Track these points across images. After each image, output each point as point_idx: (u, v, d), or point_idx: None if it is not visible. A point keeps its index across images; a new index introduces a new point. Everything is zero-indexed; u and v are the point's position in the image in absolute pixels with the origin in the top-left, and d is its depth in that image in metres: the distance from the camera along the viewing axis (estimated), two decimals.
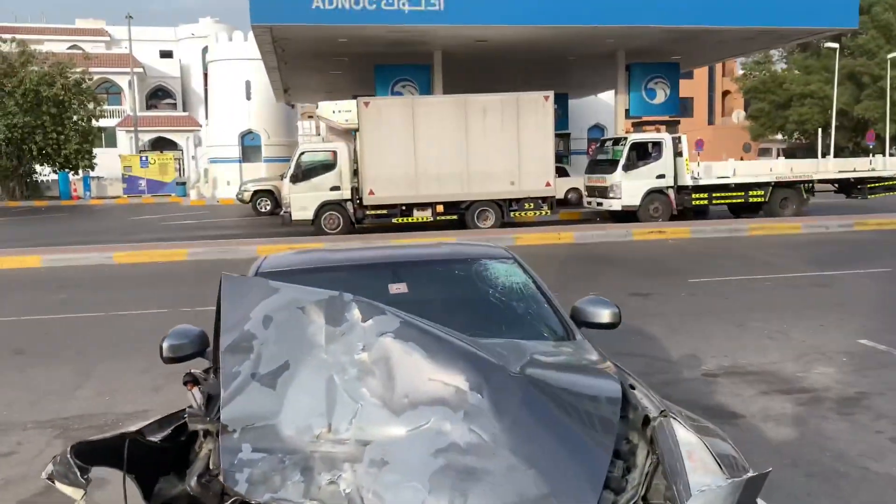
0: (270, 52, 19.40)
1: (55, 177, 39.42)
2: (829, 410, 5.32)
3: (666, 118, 22.54)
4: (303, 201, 17.38)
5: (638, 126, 21.60)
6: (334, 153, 17.67)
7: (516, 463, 2.21)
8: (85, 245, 15.98)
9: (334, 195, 17.56)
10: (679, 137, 19.02)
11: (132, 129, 44.07)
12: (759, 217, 19.15)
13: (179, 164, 49.24)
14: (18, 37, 38.36)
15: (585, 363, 2.99)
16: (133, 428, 2.43)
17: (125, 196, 39.28)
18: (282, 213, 18.03)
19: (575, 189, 25.34)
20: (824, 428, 4.99)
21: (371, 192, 17.31)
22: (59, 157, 37.13)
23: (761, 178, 19.32)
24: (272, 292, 2.55)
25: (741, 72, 53.48)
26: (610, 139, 20.45)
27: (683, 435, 2.50)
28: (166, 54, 58.40)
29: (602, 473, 2.24)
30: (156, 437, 2.50)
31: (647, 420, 2.57)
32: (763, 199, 19.29)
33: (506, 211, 18.11)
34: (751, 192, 19.20)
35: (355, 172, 17.71)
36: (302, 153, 17.74)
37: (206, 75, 44.23)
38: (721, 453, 2.39)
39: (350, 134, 17.77)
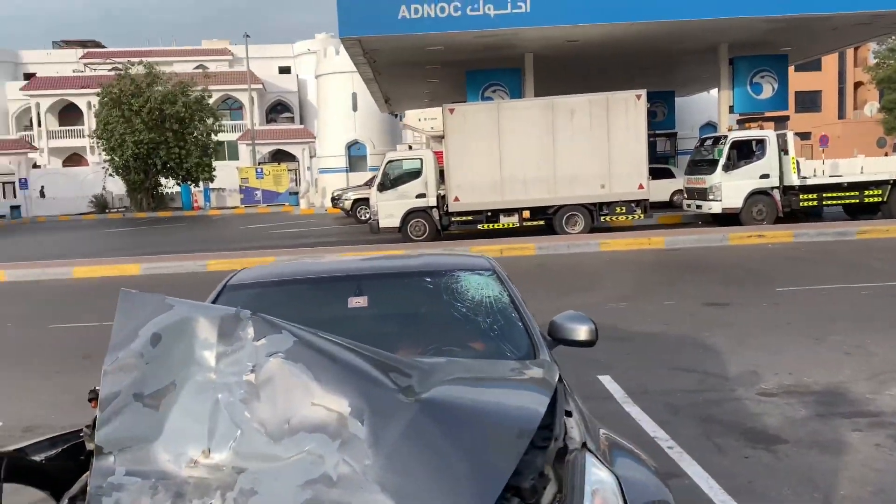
0: (364, 63, 19.71)
1: (178, 189, 41.79)
2: (888, 438, 4.72)
3: (774, 114, 21.17)
4: (390, 209, 17.52)
5: (742, 123, 20.40)
6: (421, 161, 17.72)
7: (383, 499, 2.00)
8: (183, 254, 16.77)
9: (420, 202, 17.60)
10: (785, 134, 17.81)
11: (251, 142, 46.09)
12: (876, 218, 17.64)
13: (295, 174, 51.25)
14: (149, 60, 41.02)
15: (518, 386, 2.72)
16: (12, 447, 2.38)
17: (242, 206, 41.14)
18: (369, 220, 18.24)
19: (681, 191, 24.28)
20: (874, 458, 4.41)
21: (456, 199, 17.23)
22: (182, 171, 39.37)
23: (877, 177, 17.79)
24: (165, 308, 2.45)
25: (874, 60, 49.72)
26: (709, 137, 19.43)
27: (596, 472, 2.24)
28: (285, 70, 60.94)
29: None
30: (40, 456, 2.42)
31: (563, 452, 2.31)
32: (881, 199, 17.75)
33: (596, 215, 17.55)
34: (866, 192, 17.71)
35: (442, 179, 17.69)
36: (389, 161, 17.89)
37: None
38: (641, 491, 2.19)
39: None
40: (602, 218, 17.66)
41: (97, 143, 40.16)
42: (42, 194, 45.34)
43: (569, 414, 2.56)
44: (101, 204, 42.40)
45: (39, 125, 55.49)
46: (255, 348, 2.32)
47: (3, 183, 48.84)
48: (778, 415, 5.26)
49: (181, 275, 14.08)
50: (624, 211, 17.53)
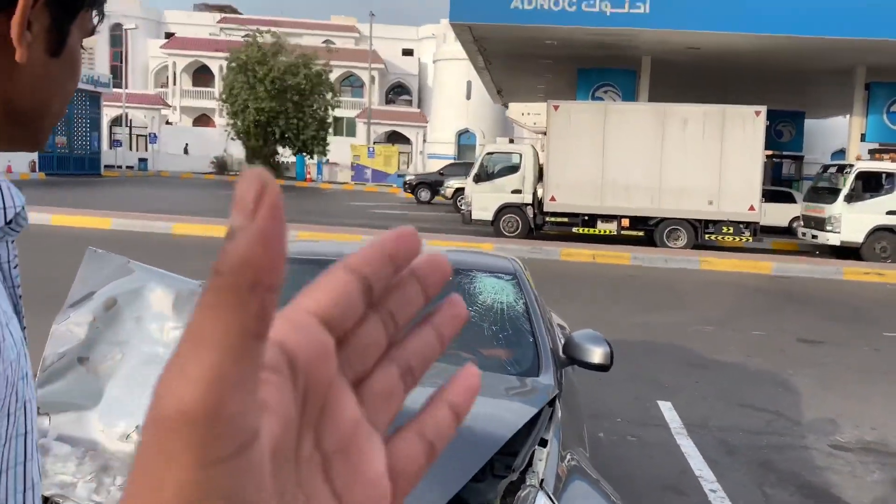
0: (475, 51, 19.55)
1: (294, 159, 43.06)
2: None
3: None
4: (484, 201, 17.32)
5: (873, 153, 18.99)
6: (520, 156, 17.43)
7: None
8: None
9: (515, 198, 17.31)
10: None
11: (367, 121, 46.94)
12: None
13: (408, 157, 51.86)
14: (279, 30, 42.27)
15: (492, 407, 2.50)
16: None
17: (352, 183, 41.96)
18: (462, 210, 18.10)
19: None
20: None
21: (553, 199, 16.84)
22: (298, 142, 40.49)
23: None
24: (126, 273, 2.36)
25: None
26: (834, 165, 18.18)
27: None
28: (408, 52, 61.63)
29: None
30: None
31: (517, 487, 2.09)
32: None
33: (700, 232, 16.75)
34: None
35: (541, 177, 17.33)
36: (487, 153, 17.68)
37: None
38: None
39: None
40: (707, 236, 16.85)
41: (222, 106, 41.83)
42: (186, 151, 47.53)
43: (543, 443, 2.33)
44: (221, 165, 44.24)
45: (174, 83, 58.46)
46: None
47: (137, 136, 51.87)
48: (846, 473, 4.76)
49: None
50: (731, 231, 16.65)
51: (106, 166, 38.43)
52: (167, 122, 55.93)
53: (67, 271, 9.02)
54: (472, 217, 17.51)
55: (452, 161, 36.22)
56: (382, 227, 18.22)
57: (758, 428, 5.52)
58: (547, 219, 17.16)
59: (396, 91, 62.16)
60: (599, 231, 16.99)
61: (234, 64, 39.83)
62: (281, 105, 39.21)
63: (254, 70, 38.86)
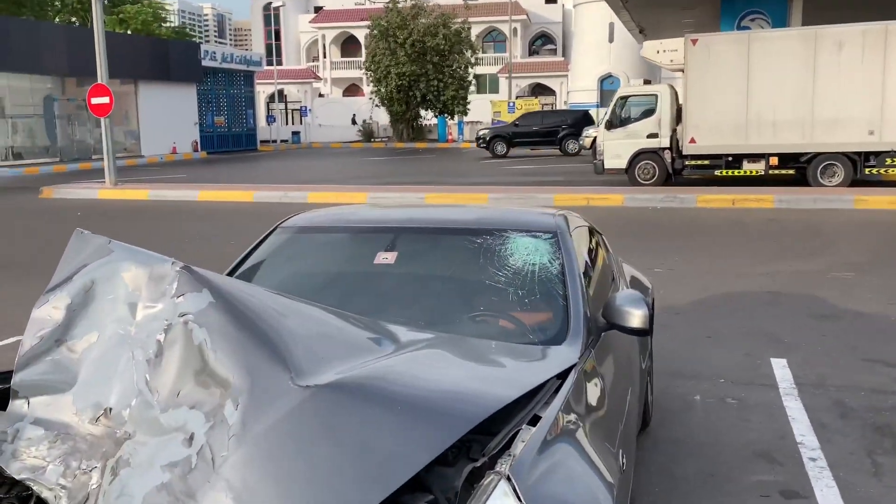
0: None
1: (436, 121, 43.42)
2: None
3: None
4: (617, 149, 16.54)
5: None
6: (655, 97, 16.43)
7: (224, 501, 1.75)
8: (409, 185, 17.38)
9: (651, 143, 16.38)
10: None
11: (509, 75, 46.34)
12: None
13: (552, 108, 50.74)
14: None
15: (486, 376, 2.27)
16: None
17: None
18: (594, 161, 17.39)
19: None
20: None
21: (692, 140, 15.78)
22: (439, 103, 40.74)
23: None
24: (106, 253, 2.35)
25: None
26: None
27: None
28: (551, 0, 59.93)
29: None
30: None
31: (482, 472, 1.88)
32: None
33: (860, 166, 15.12)
34: None
35: (679, 119, 16.28)
36: (620, 97, 16.81)
37: None
38: None
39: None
40: (868, 170, 15.20)
41: (366, 74, 42.78)
42: (353, 122, 49.00)
43: (534, 421, 2.07)
44: (367, 133, 45.46)
45: (324, 56, 60.53)
46: (174, 305, 2.13)
47: (292, 110, 54.33)
48: None
49: (400, 201, 14.61)
50: None
51: (262, 141, 40.57)
52: (319, 95, 58.12)
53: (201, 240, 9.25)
54: (605, 166, 16.80)
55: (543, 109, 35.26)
56: (514, 183, 17.97)
57: (883, 386, 4.88)
58: (686, 163, 16.15)
59: (540, 41, 60.82)
60: (745, 172, 15.78)
61: (375, 31, 40.52)
62: (421, 68, 39.53)
63: (394, 35, 39.35)
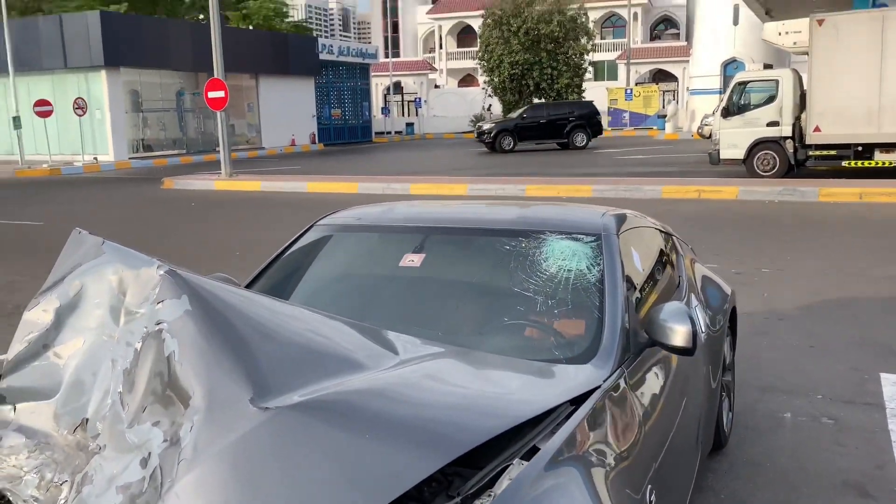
0: None
1: None
2: None
3: None
4: (733, 138, 15.57)
5: None
6: (776, 82, 15.34)
7: None
8: (512, 177, 17.09)
9: (771, 132, 15.31)
10: None
11: (627, 61, 44.98)
12: None
13: (674, 95, 48.84)
14: None
15: (487, 398, 2.03)
16: None
17: (608, 129, 40.62)
18: (709, 151, 16.46)
19: None
20: None
21: (817, 129, 14.63)
22: (552, 92, 40.00)
23: None
24: (98, 254, 2.27)
25: None
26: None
27: None
28: None
29: None
30: None
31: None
32: None
33: None
34: None
35: (803, 105, 15.14)
36: (738, 83, 15.80)
37: None
38: None
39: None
40: None
41: (479, 64, 42.59)
42: (488, 109, 48.51)
43: (529, 455, 1.82)
44: (479, 123, 45.32)
45: (441, 47, 60.85)
46: (153, 312, 2.02)
47: (408, 101, 55.00)
48: None
49: (499, 196, 14.36)
50: None
51: (377, 133, 41.28)
52: (435, 86, 58.52)
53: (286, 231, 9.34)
54: (721, 156, 15.87)
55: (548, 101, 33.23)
56: (626, 174, 17.32)
57: None
58: (810, 153, 15.02)
59: (664, 26, 58.65)
60: (877, 163, 14.50)
61: (489, 20, 40.23)
62: (535, 56, 38.93)
63: (508, 24, 38.93)
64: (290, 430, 1.70)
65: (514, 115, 29.50)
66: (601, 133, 29.49)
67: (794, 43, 15.01)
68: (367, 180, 16.95)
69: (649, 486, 2.06)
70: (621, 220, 3.01)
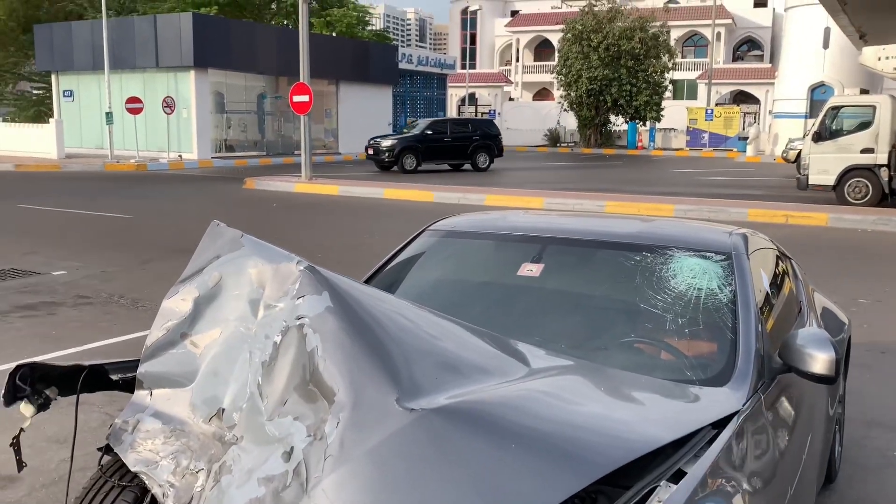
0: None
1: (626, 127, 42.17)
2: None
3: None
4: (824, 163, 15.03)
5: None
6: (873, 109, 14.76)
7: None
8: (580, 191, 16.88)
9: (865, 158, 14.72)
10: None
11: (708, 81, 44.13)
12: None
13: (755, 118, 47.65)
14: None
15: (626, 420, 1.96)
16: (95, 362, 2.44)
17: (686, 149, 39.85)
18: (798, 175, 15.92)
19: None
20: None
21: None
22: (630, 109, 39.53)
23: None
24: (237, 247, 2.29)
25: None
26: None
27: None
28: (760, 4, 56.43)
29: None
30: (118, 376, 2.33)
31: None
32: None
33: None
34: None
35: None
36: (831, 107, 15.27)
37: None
38: None
39: None
40: None
41: (556, 78, 42.39)
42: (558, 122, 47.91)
43: (676, 477, 1.75)
44: (553, 137, 45.07)
45: (518, 60, 60.85)
46: (294, 307, 2.02)
47: (482, 113, 55.08)
48: None
49: (577, 208, 14.21)
50: None
51: None
52: (510, 99, 58.51)
53: (373, 235, 9.45)
54: (809, 182, 15.34)
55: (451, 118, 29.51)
56: (706, 196, 16.92)
57: None
58: None
59: (746, 47, 57.38)
60: None
61: (569, 35, 40.07)
62: (614, 72, 38.58)
63: (588, 39, 38.70)
64: (439, 433, 1.67)
65: (416, 130, 25.31)
66: (502, 154, 26.81)
67: (894, 68, 14.41)
68: (443, 190, 17.00)
69: None
70: (749, 239, 2.90)
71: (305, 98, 18.56)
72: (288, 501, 1.66)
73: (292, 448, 1.76)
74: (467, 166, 25.72)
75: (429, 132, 24.79)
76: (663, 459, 1.80)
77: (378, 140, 24.69)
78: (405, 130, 26.65)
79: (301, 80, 18.87)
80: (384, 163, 24.10)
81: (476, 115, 53.04)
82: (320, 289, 2.02)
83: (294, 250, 2.20)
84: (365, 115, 33.84)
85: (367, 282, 3.03)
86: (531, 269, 2.79)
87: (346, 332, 1.90)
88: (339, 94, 33.34)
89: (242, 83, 30.55)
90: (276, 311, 2.05)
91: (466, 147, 25.39)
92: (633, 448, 1.71)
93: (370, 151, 24.56)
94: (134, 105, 24.65)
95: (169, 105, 25.50)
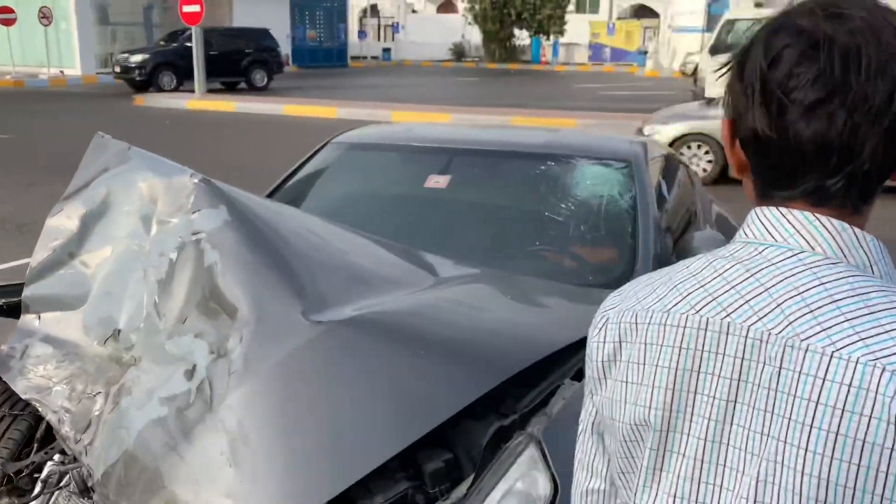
0: None
1: (530, 42, 42.01)
2: None
3: None
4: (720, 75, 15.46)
5: None
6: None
7: (219, 445, 1.57)
8: (491, 107, 16.88)
9: None
10: None
11: None
12: None
13: (655, 32, 48.28)
14: None
15: (535, 319, 2.00)
16: None
17: (588, 63, 40.16)
18: (693, 88, 16.36)
19: None
20: None
21: None
22: (534, 23, 39.31)
23: None
24: (124, 161, 2.16)
25: None
26: None
27: (531, 477, 1.52)
28: None
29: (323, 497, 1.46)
30: (0, 301, 2.22)
31: (509, 433, 1.64)
32: None
33: None
34: None
35: None
36: (727, 21, 15.64)
37: None
38: None
39: None
40: None
41: None
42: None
43: (578, 376, 1.81)
44: (458, 52, 44.48)
45: None
46: (189, 221, 1.93)
47: (385, 26, 53.59)
48: None
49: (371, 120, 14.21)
50: None
51: (353, 57, 40.27)
52: (413, 11, 57.01)
53: (276, 153, 9.27)
54: (706, 94, 15.76)
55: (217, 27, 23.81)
56: (602, 109, 17.21)
57: None
58: None
59: None
60: None
61: None
62: None
63: None
64: (347, 344, 1.65)
65: (175, 42, 21.34)
66: (282, 70, 24.43)
67: None
68: (347, 105, 16.61)
69: None
70: (648, 148, 2.96)
71: (196, 8, 17.52)
72: (192, 419, 1.62)
73: (194, 366, 1.71)
74: (243, 85, 22.58)
75: (189, 45, 19.28)
76: (567, 359, 1.84)
77: (126, 55, 20.89)
78: (161, 43, 22.54)
79: None
80: (135, 83, 20.21)
81: (379, 27, 51.61)
82: (217, 202, 1.93)
83: (202, 169, 2.09)
84: (262, 25, 32.34)
85: (269, 197, 2.94)
86: (438, 181, 2.76)
87: (246, 246, 1.83)
88: (233, 4, 31.66)
89: None
90: (171, 227, 1.96)
91: (239, 62, 22.18)
92: (537, 350, 1.74)
93: (117, 69, 20.74)
94: (5, 16, 22.67)
95: (46, 16, 23.57)
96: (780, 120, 0.76)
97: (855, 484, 0.67)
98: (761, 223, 0.79)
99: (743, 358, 0.74)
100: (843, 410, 0.68)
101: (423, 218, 2.70)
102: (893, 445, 0.66)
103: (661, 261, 2.45)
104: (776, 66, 0.76)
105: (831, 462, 0.68)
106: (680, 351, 0.78)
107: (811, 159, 0.75)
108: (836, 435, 0.68)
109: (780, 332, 0.72)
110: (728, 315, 0.76)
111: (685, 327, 0.78)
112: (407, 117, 15.05)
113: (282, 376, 1.61)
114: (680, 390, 0.78)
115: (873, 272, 0.75)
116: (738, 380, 0.74)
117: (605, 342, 0.88)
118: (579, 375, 1.82)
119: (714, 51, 15.63)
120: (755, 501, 0.73)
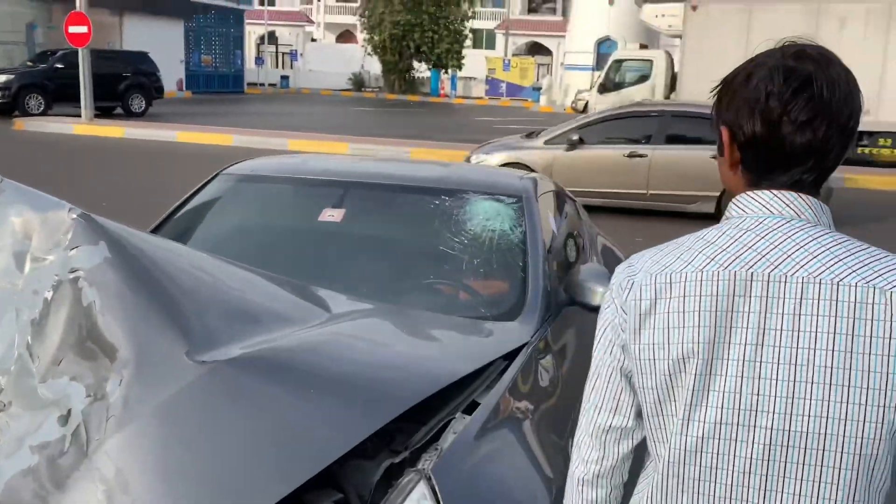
0: None
1: (429, 74, 42.63)
2: None
3: None
4: None
5: None
6: (650, 63, 16.06)
7: (93, 496, 1.50)
8: (394, 138, 16.98)
9: None
10: None
11: (506, 32, 45.58)
12: None
13: (548, 69, 49.99)
14: None
15: (423, 354, 2.02)
16: None
17: (486, 97, 41.09)
18: None
19: None
20: None
21: None
22: (433, 56, 39.95)
23: None
24: None
25: None
26: None
27: None
28: None
29: None
30: None
31: (393, 471, 1.63)
32: None
33: (852, 145, 14.86)
34: None
35: (673, 86, 15.93)
36: (615, 61, 16.43)
37: None
38: None
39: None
40: (861, 150, 14.98)
41: (360, 20, 41.82)
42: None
43: (470, 409, 1.83)
44: (357, 82, 44.59)
45: (318, 0, 59.11)
46: (66, 259, 1.84)
47: (283, 53, 53.17)
48: None
49: (382, 155, 14.24)
50: (890, 144, 14.70)
51: (249, 84, 39.69)
52: (312, 40, 56.86)
53: (169, 183, 8.90)
54: None
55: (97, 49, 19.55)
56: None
57: None
58: None
59: None
60: None
61: None
62: (417, 17, 38.65)
63: None
64: (232, 384, 1.62)
65: (44, 64, 19.91)
66: (162, 96, 22.92)
67: (669, 26, 15.70)
68: (243, 133, 16.32)
69: (568, 434, 2.15)
70: (539, 183, 3.06)
71: (83, 29, 16.85)
72: (66, 467, 1.54)
73: (69, 411, 1.63)
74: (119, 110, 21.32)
75: (60, 66, 18.70)
76: (459, 393, 1.87)
77: None
78: (29, 63, 21.05)
79: (78, 9, 17.09)
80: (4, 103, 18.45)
81: (277, 55, 51.13)
82: (96, 238, 1.86)
83: (74, 202, 2.00)
84: (154, 50, 31.22)
85: (155, 232, 2.85)
86: (332, 214, 2.75)
87: (128, 285, 1.77)
88: (123, 26, 30.66)
89: (7, 9, 27.15)
90: (46, 264, 1.86)
91: (116, 86, 20.69)
92: (431, 383, 1.76)
93: None
94: None
95: None
96: (778, 131, 1.04)
97: (869, 367, 0.98)
98: (757, 202, 1.08)
99: (768, 297, 1.02)
100: (854, 318, 0.98)
101: (317, 252, 2.69)
102: (889, 335, 0.97)
103: (550, 293, 2.53)
104: (777, 94, 1.04)
105: (851, 356, 0.98)
106: (717, 298, 1.04)
107: (798, 159, 1.06)
108: (853, 336, 0.98)
109: (795, 273, 1.01)
110: (751, 267, 1.04)
111: (718, 281, 1.04)
112: (304, 146, 14.93)
113: (163, 419, 1.55)
114: (719, 326, 1.03)
115: (832, 229, 1.08)
116: (766, 312, 1.01)
117: (641, 299, 1.11)
118: (470, 409, 1.85)
119: (603, 89, 16.36)
120: (792, 397, 1.00)
